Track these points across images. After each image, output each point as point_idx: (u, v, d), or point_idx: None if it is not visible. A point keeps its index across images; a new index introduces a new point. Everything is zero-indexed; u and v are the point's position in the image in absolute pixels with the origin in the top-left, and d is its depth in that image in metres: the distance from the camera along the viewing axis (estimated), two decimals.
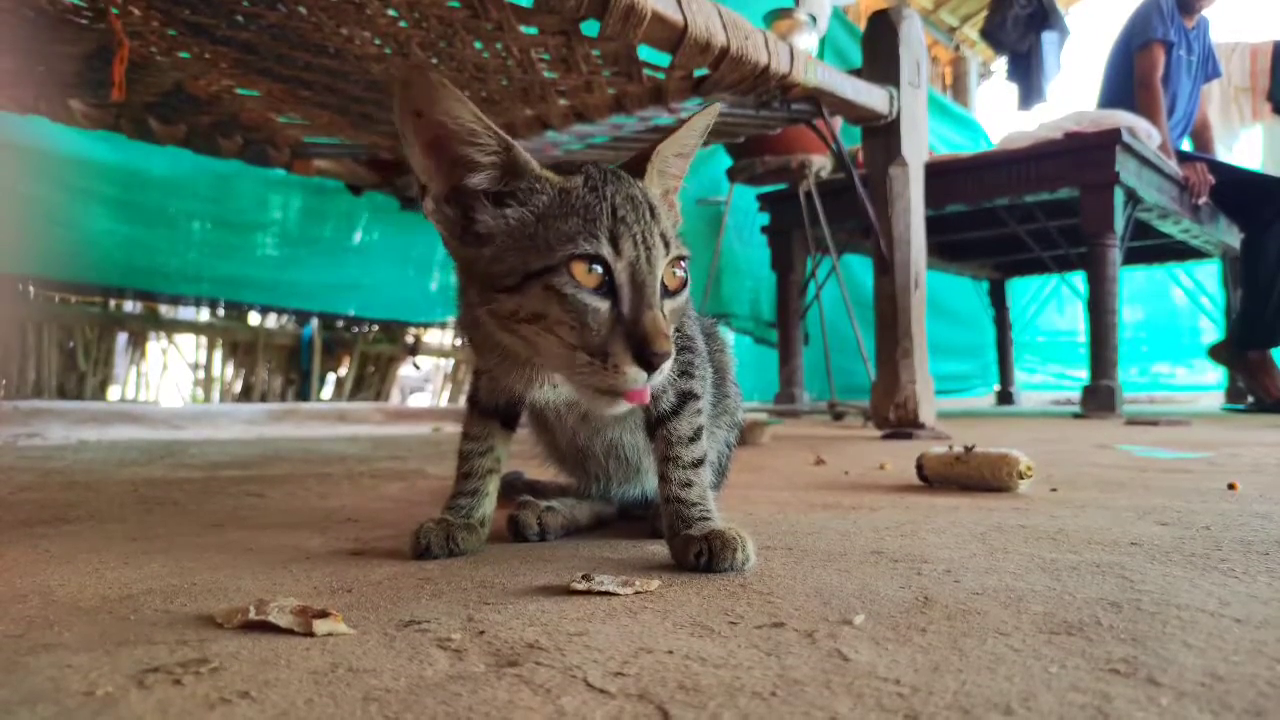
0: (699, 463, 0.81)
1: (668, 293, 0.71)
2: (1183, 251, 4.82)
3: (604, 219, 0.68)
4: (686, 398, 0.82)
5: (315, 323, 4.19)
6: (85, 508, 1.15)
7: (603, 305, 0.67)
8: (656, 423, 0.82)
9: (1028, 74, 5.75)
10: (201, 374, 4.01)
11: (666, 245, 0.71)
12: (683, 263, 0.73)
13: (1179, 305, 6.99)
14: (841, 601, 0.62)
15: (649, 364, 0.66)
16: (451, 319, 4.40)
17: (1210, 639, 0.51)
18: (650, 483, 0.91)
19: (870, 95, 2.24)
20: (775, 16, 3.19)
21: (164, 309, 3.82)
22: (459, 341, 4.53)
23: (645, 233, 0.69)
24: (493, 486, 0.88)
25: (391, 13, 1.66)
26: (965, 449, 1.27)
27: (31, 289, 3.44)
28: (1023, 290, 6.30)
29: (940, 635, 0.53)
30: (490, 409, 0.87)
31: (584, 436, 0.91)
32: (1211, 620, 0.55)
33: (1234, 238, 4.33)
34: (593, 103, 2.17)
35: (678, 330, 0.80)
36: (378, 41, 1.81)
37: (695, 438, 0.82)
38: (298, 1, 1.64)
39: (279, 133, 2.48)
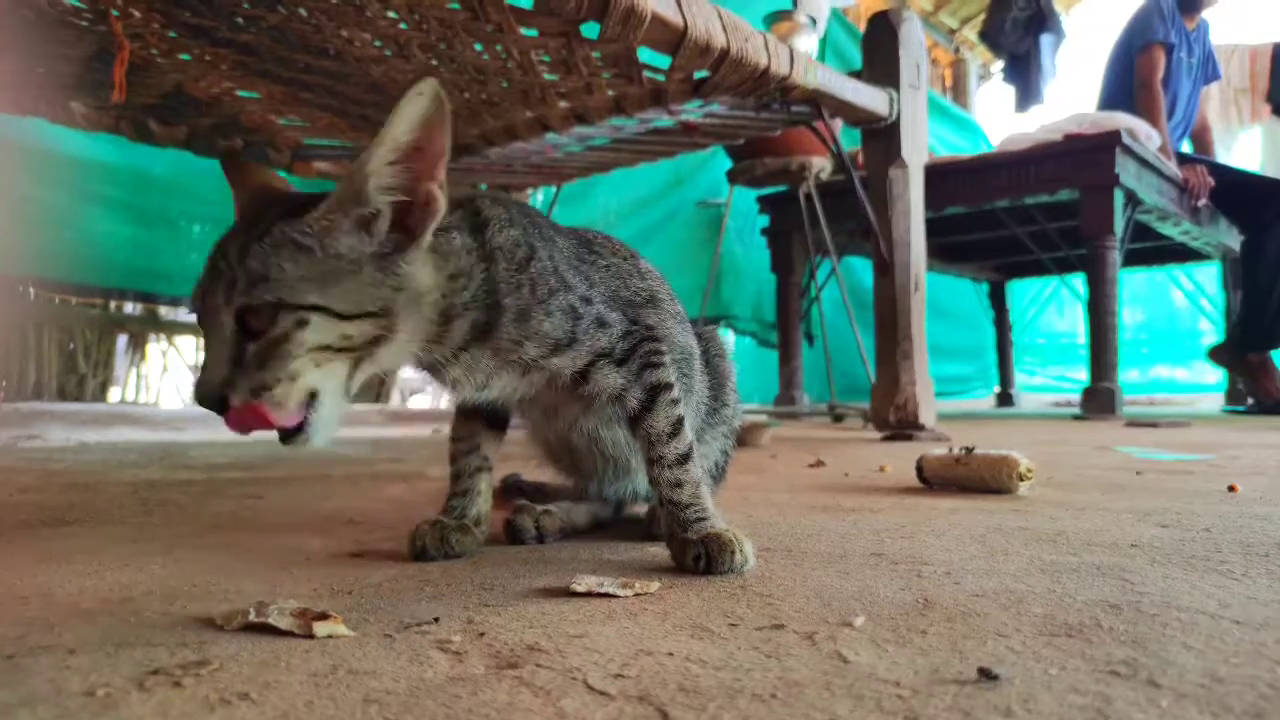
0: (685, 458, 0.79)
1: (251, 334, 0.65)
2: (1183, 253, 4.82)
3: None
4: (656, 390, 0.80)
5: None
6: (85, 509, 1.15)
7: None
8: (633, 421, 0.80)
9: (1025, 76, 5.76)
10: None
11: (230, 295, 0.64)
12: (260, 310, 0.64)
13: (1179, 307, 6.99)
14: (841, 603, 0.62)
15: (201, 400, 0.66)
16: None
17: (1210, 641, 0.51)
18: (642, 480, 0.90)
19: (870, 97, 2.24)
20: (775, 19, 3.19)
21: (164, 311, 3.81)
22: None
23: (209, 285, 0.66)
24: (484, 484, 0.87)
25: (391, 15, 1.66)
26: (965, 451, 1.27)
27: (32, 290, 3.44)
28: (1022, 292, 6.30)
29: (940, 637, 0.53)
30: (468, 408, 0.87)
31: (557, 432, 0.90)
32: (1211, 622, 0.55)
33: (1234, 240, 4.33)
34: (593, 105, 2.17)
35: (633, 321, 0.82)
36: (378, 43, 1.81)
37: (676, 431, 0.79)
38: (298, 3, 1.64)
39: (279, 135, 2.48)
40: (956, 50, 8.44)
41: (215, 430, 3.04)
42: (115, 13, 1.67)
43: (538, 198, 3.64)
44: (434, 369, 0.77)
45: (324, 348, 0.66)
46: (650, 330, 0.83)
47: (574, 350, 0.78)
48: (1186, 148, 4.43)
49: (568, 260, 0.82)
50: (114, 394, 3.69)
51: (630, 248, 0.95)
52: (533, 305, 0.76)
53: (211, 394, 0.66)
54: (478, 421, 0.88)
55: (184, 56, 1.92)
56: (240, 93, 2.16)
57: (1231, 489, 1.21)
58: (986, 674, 0.45)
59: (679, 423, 0.80)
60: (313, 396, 0.67)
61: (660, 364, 0.82)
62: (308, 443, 0.69)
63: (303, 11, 1.67)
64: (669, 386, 0.81)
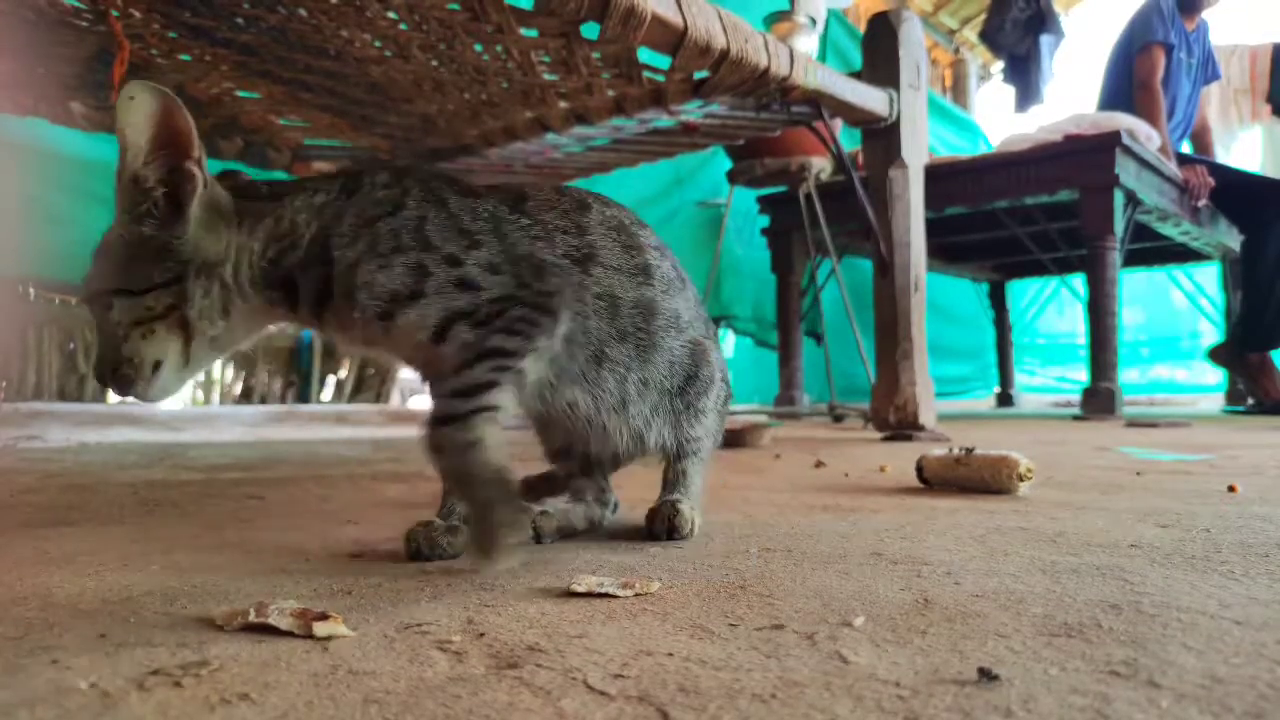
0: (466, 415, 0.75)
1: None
2: (1183, 254, 4.82)
3: None
4: (486, 355, 0.76)
5: None
6: (85, 510, 1.15)
7: None
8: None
9: (1025, 76, 5.77)
10: (201, 376, 4.02)
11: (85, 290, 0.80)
12: (95, 299, 0.79)
13: (1179, 307, 6.98)
14: (841, 603, 0.62)
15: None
16: None
17: (1210, 641, 0.51)
18: (617, 443, 0.89)
19: (870, 97, 2.24)
20: (774, 19, 3.19)
21: None
22: None
23: None
24: None
25: (391, 15, 1.67)
26: (965, 451, 1.27)
27: (32, 291, 3.44)
28: (1022, 292, 6.30)
29: (940, 637, 0.53)
30: None
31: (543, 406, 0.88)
32: (1211, 622, 0.55)
33: (1234, 240, 4.33)
34: (593, 105, 2.17)
35: (523, 285, 0.78)
36: (378, 44, 1.81)
37: (471, 393, 0.75)
38: (298, 4, 1.64)
39: (279, 135, 2.48)
40: (956, 51, 8.44)
41: (215, 431, 3.04)
42: (115, 13, 1.67)
43: None
44: (324, 335, 0.83)
45: (137, 322, 0.77)
46: (544, 297, 0.79)
47: (419, 306, 0.77)
48: (1186, 148, 4.43)
49: (449, 222, 0.80)
50: (114, 394, 3.70)
51: (629, 217, 0.91)
52: (365, 257, 0.77)
53: (100, 374, 0.80)
54: None
55: (184, 57, 1.93)
56: (240, 93, 2.16)
57: (1231, 489, 1.21)
58: (986, 674, 0.45)
59: (483, 387, 0.76)
60: (157, 365, 0.79)
61: (521, 332, 0.77)
62: (142, 397, 0.80)
63: (303, 12, 1.67)
64: (504, 353, 0.77)
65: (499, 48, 1.80)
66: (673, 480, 0.95)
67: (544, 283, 0.80)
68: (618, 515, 1.04)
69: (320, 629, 0.55)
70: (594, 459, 0.97)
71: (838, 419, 3.45)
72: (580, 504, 0.99)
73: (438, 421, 0.75)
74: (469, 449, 0.73)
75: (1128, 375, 6.36)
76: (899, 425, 2.35)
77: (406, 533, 0.83)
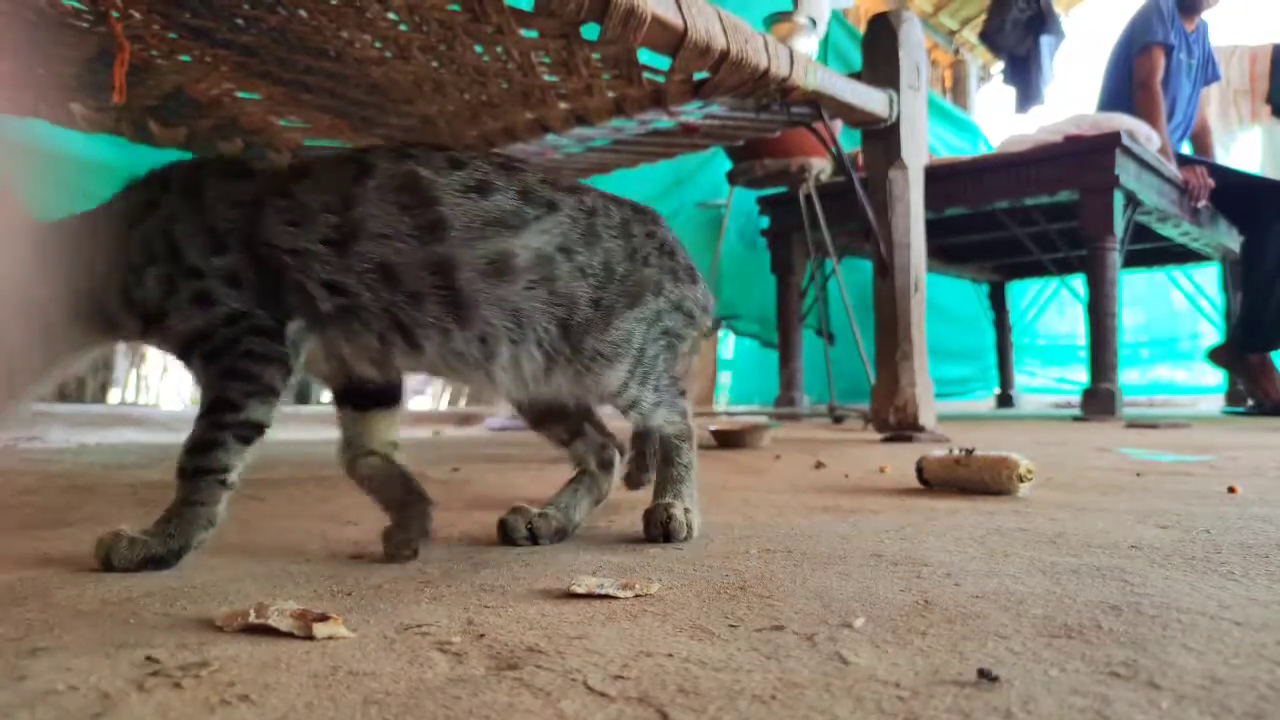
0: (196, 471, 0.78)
1: None
2: (1182, 255, 4.82)
3: None
4: (213, 409, 0.77)
5: None
6: (85, 510, 1.15)
7: None
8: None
9: (1026, 77, 5.77)
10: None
11: None
12: None
13: (1179, 308, 6.98)
14: (841, 604, 0.62)
15: None
16: None
17: (1210, 642, 0.51)
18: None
19: (870, 98, 2.24)
20: (774, 20, 3.19)
21: None
22: None
23: None
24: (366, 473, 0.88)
25: (392, 16, 1.66)
26: (965, 452, 1.27)
27: None
28: (1022, 293, 6.30)
29: (940, 638, 0.53)
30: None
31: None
32: (1211, 623, 0.55)
33: (1234, 241, 4.33)
34: (593, 106, 2.17)
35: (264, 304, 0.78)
36: (378, 45, 1.81)
37: (200, 448, 0.76)
38: (298, 5, 1.64)
39: (279, 136, 2.48)
40: (956, 51, 8.44)
41: None
42: (115, 14, 1.67)
43: None
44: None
45: None
46: (276, 320, 0.77)
47: (165, 326, 0.77)
48: (1186, 149, 4.43)
49: (198, 221, 0.78)
50: (114, 395, 3.70)
51: (434, 166, 0.80)
52: (122, 269, 0.77)
53: None
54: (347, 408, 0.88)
55: (184, 58, 1.93)
56: (240, 94, 2.16)
57: (1231, 490, 1.21)
58: (986, 675, 0.45)
59: (213, 447, 0.76)
60: None
61: (247, 375, 0.76)
62: None
63: (303, 13, 1.67)
64: (230, 406, 0.76)
65: (499, 49, 1.80)
66: (665, 481, 0.94)
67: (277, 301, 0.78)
68: (619, 524, 1.04)
69: (320, 630, 0.55)
70: (551, 411, 0.95)
71: (838, 420, 3.45)
72: (581, 486, 0.96)
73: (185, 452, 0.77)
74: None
75: (1128, 376, 6.36)
76: (899, 426, 2.35)
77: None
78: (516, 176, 0.83)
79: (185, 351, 0.78)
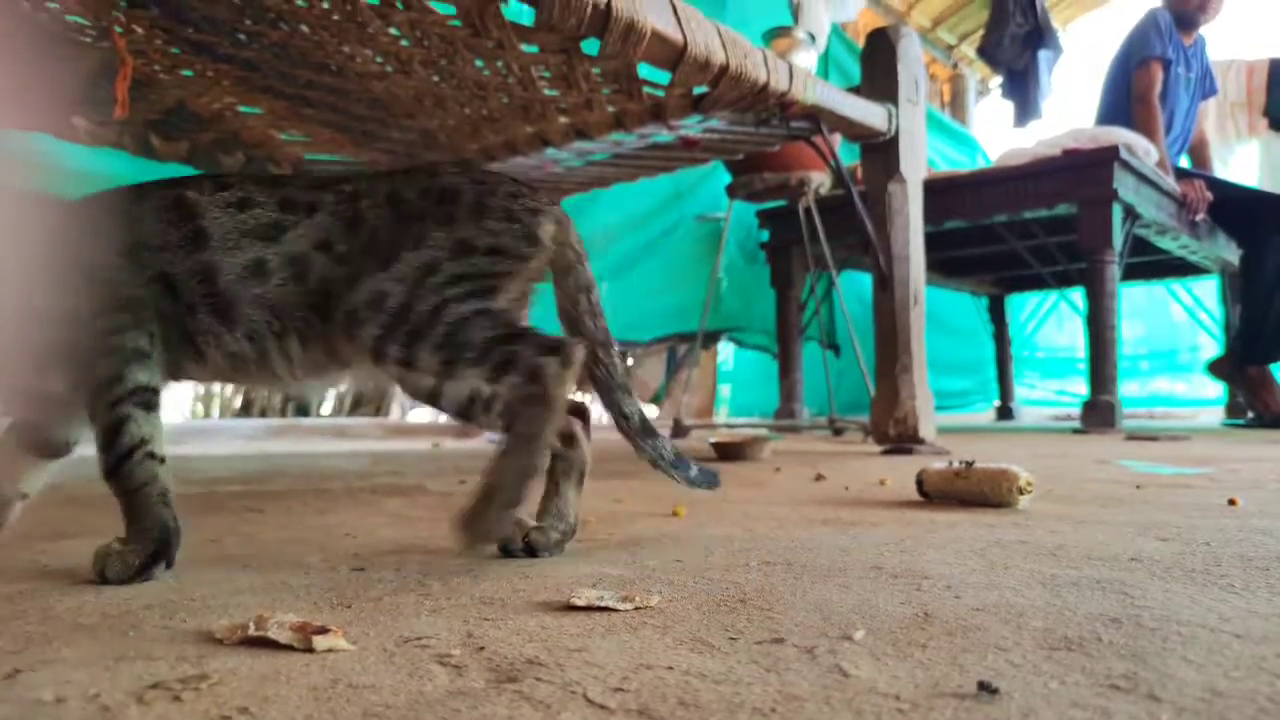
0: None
1: None
2: (1182, 268, 4.83)
3: None
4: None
5: None
6: (84, 523, 1.15)
7: None
8: None
9: (1024, 91, 5.80)
10: (201, 390, 4.02)
11: None
12: None
13: (1178, 321, 6.99)
14: (841, 617, 0.62)
15: None
16: None
17: (1210, 654, 0.51)
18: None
19: (869, 112, 2.25)
20: (774, 34, 3.21)
21: None
22: None
23: None
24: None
25: (393, 31, 1.68)
26: (965, 464, 1.27)
27: None
28: (1022, 306, 6.31)
29: (940, 651, 0.53)
30: None
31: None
32: (1211, 636, 0.55)
33: (1233, 254, 4.34)
34: (593, 120, 2.18)
35: None
36: (379, 59, 1.82)
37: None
38: (300, 20, 1.65)
39: (280, 150, 2.49)
40: (955, 66, 8.48)
41: (215, 444, 3.04)
42: (118, 29, 1.68)
43: None
44: None
45: None
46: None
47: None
48: (1184, 163, 4.45)
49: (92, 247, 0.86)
50: None
51: (200, 190, 0.87)
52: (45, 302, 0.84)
53: None
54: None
55: (186, 72, 1.94)
56: (242, 108, 2.17)
57: (1232, 503, 1.21)
58: (986, 688, 0.45)
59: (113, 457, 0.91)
60: None
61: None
62: None
63: (305, 28, 1.68)
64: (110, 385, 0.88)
65: (500, 63, 1.81)
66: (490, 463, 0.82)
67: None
68: (618, 536, 1.04)
69: (320, 642, 0.55)
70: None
71: (837, 432, 3.44)
72: (561, 479, 0.92)
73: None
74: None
75: (1127, 388, 6.36)
76: (899, 439, 2.35)
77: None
78: (278, 190, 0.88)
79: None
